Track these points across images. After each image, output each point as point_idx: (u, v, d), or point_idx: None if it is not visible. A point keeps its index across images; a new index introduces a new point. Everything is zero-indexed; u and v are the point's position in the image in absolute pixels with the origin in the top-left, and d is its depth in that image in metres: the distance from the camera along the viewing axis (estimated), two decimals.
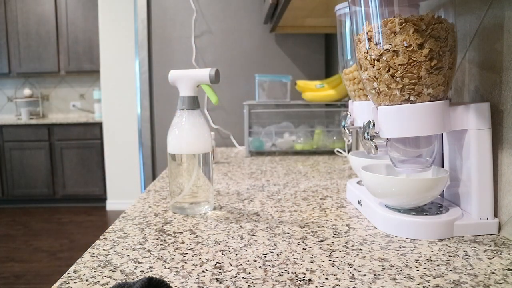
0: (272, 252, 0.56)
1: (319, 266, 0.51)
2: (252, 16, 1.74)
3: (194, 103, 0.76)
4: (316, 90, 1.50)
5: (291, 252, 0.55)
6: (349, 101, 0.84)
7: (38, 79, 4.54)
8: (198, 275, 0.49)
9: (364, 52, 0.61)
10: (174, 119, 0.76)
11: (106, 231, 0.65)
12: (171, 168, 0.76)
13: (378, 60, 0.59)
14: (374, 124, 0.63)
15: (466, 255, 0.53)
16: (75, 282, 0.48)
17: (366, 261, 0.52)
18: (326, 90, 1.49)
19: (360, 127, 0.79)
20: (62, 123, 3.98)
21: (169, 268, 0.51)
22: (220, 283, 0.47)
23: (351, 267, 0.50)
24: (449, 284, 0.46)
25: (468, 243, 0.57)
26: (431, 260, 0.52)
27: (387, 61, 0.58)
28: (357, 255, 0.54)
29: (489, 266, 0.50)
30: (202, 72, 0.75)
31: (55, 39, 4.09)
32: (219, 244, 0.59)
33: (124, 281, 0.47)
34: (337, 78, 1.49)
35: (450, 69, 0.59)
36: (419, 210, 0.64)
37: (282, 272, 0.49)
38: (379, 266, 0.50)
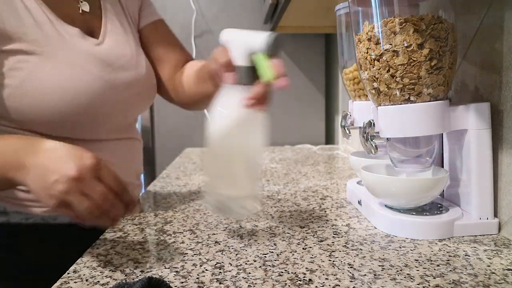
0: (272, 252, 0.56)
1: (319, 266, 0.51)
2: (252, 16, 1.74)
3: (252, 76, 0.57)
4: None
5: (291, 252, 0.55)
6: (349, 101, 0.84)
7: None
8: (198, 275, 0.49)
9: (364, 52, 0.61)
10: (222, 96, 0.59)
11: (106, 231, 0.65)
12: (215, 157, 0.61)
13: (378, 60, 0.59)
14: (374, 124, 0.63)
15: (466, 255, 0.53)
16: (75, 282, 0.48)
17: (366, 261, 0.52)
18: None
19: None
20: None
21: (169, 268, 0.51)
22: (220, 283, 0.47)
23: (351, 267, 0.50)
24: (449, 284, 0.46)
25: (468, 243, 0.57)
26: (431, 260, 0.52)
27: (387, 61, 0.58)
28: (357, 255, 0.54)
29: (489, 266, 0.50)
30: (257, 38, 0.56)
31: None
32: (219, 244, 0.59)
33: (124, 281, 0.47)
34: None
35: (450, 69, 0.59)
36: (419, 210, 0.64)
37: (282, 272, 0.49)
38: (379, 266, 0.50)
